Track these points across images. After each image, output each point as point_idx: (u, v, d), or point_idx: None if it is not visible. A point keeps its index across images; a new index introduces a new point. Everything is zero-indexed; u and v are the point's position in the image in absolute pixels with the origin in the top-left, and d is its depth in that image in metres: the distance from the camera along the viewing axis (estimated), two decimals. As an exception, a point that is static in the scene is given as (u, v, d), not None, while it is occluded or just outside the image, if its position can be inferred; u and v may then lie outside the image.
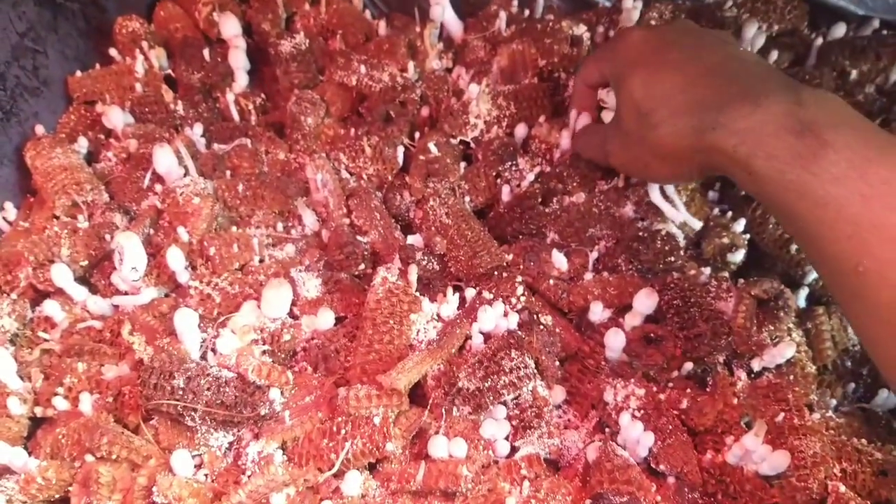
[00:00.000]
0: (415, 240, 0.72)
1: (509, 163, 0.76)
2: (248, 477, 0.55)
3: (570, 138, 0.74)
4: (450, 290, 0.66)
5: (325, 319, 0.64)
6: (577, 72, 0.73)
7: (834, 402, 0.61)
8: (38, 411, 0.62)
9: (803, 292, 0.66)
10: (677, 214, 0.69)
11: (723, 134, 0.50)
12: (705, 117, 0.52)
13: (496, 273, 0.66)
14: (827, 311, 0.64)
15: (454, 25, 0.91)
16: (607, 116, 0.71)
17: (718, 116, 0.51)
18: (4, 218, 0.76)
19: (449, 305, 0.64)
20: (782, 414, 0.57)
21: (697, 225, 0.69)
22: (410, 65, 0.86)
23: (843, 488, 0.53)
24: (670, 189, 0.69)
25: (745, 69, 0.54)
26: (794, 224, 0.49)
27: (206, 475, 0.57)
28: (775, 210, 0.52)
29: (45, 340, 0.66)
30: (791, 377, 0.60)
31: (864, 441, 0.57)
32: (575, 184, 0.74)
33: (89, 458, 0.57)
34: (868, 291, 0.45)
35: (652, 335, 0.62)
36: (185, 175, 0.74)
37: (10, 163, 0.78)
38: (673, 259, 0.67)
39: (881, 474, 0.54)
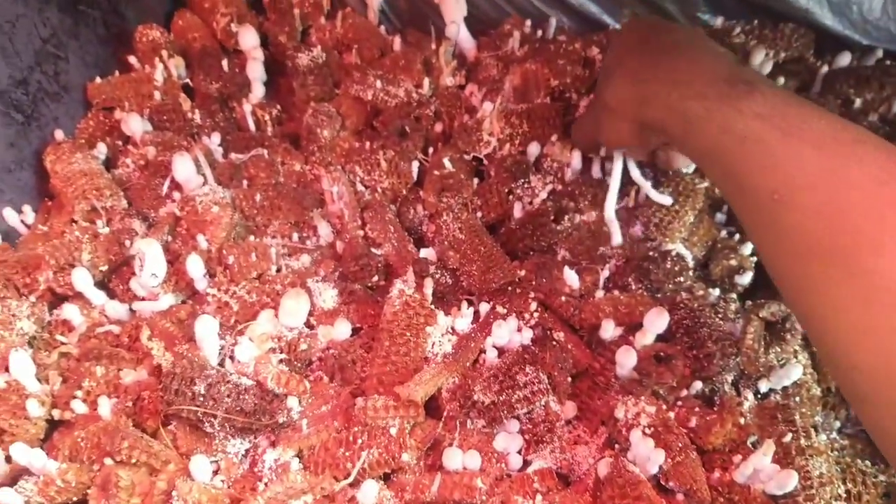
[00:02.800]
0: (427, 253, 0.73)
1: (522, 180, 0.78)
2: (266, 484, 0.56)
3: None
4: (464, 304, 0.67)
5: (342, 330, 0.65)
6: None
7: (838, 423, 0.63)
8: (56, 414, 0.63)
9: (808, 315, 0.67)
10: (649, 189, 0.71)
11: (658, 85, 0.55)
12: (645, 71, 0.58)
13: (509, 288, 0.68)
14: (831, 335, 0.66)
15: (467, 43, 0.93)
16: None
17: (657, 70, 0.57)
18: (23, 221, 0.77)
19: (463, 319, 0.66)
20: (790, 434, 0.58)
21: (667, 201, 0.71)
22: (426, 81, 0.87)
23: (847, 508, 0.54)
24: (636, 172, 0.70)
25: (701, 44, 0.60)
26: (717, 163, 0.52)
27: (222, 481, 0.58)
28: (700, 153, 0.54)
29: (63, 344, 0.67)
30: (797, 398, 0.61)
31: (867, 463, 0.58)
32: (586, 202, 0.75)
33: (108, 461, 0.57)
34: (779, 216, 0.47)
35: (662, 354, 0.63)
36: (203, 184, 0.75)
37: (29, 166, 0.79)
38: (682, 279, 0.69)
39: (885, 496, 0.56)
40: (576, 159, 0.77)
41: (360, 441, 0.57)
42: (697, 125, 0.52)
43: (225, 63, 0.88)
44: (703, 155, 0.54)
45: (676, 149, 0.66)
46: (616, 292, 0.69)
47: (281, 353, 0.64)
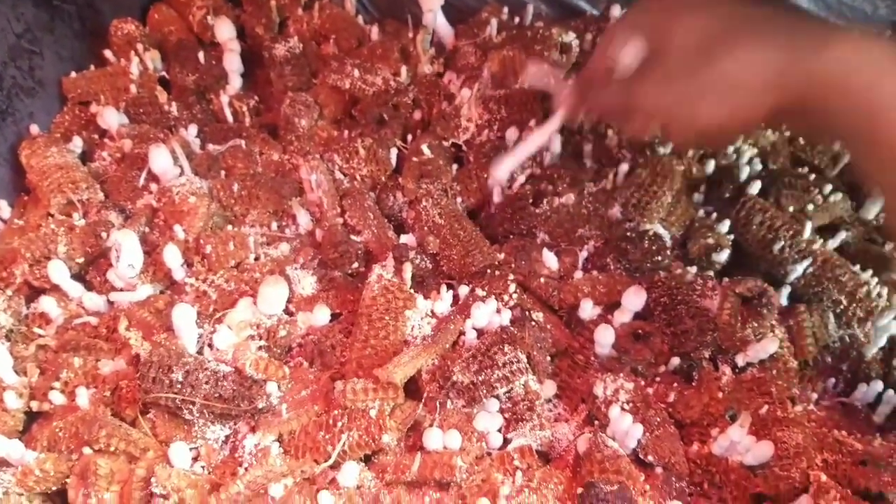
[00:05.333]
0: (407, 239, 0.73)
1: (500, 165, 0.78)
2: (246, 468, 0.56)
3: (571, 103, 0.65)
4: (443, 288, 0.67)
5: (321, 316, 0.65)
6: (598, 46, 0.65)
7: (815, 395, 0.63)
8: (35, 406, 0.63)
9: (785, 290, 0.68)
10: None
11: (831, 62, 0.48)
12: (805, 44, 0.49)
13: (489, 271, 0.68)
14: (808, 309, 0.66)
15: (445, 31, 0.93)
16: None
17: (825, 45, 0.48)
18: (-1, 216, 0.77)
19: (443, 302, 0.66)
20: (766, 406, 0.58)
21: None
22: (403, 69, 0.87)
23: (824, 477, 0.55)
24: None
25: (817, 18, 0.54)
26: None
27: (202, 467, 0.58)
28: (881, 141, 0.48)
29: (41, 336, 0.67)
30: (774, 372, 0.62)
31: (843, 433, 0.59)
32: (564, 185, 0.75)
33: (87, 450, 0.57)
34: None
35: (640, 331, 0.63)
36: (180, 174, 0.75)
37: (5, 161, 0.79)
38: (660, 258, 0.69)
39: (860, 464, 0.56)
40: (555, 143, 0.78)
41: (340, 424, 0.57)
42: (889, 117, 0.47)
43: (201, 55, 0.87)
44: (884, 144, 0.48)
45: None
46: (595, 273, 0.70)
47: (260, 339, 0.63)
